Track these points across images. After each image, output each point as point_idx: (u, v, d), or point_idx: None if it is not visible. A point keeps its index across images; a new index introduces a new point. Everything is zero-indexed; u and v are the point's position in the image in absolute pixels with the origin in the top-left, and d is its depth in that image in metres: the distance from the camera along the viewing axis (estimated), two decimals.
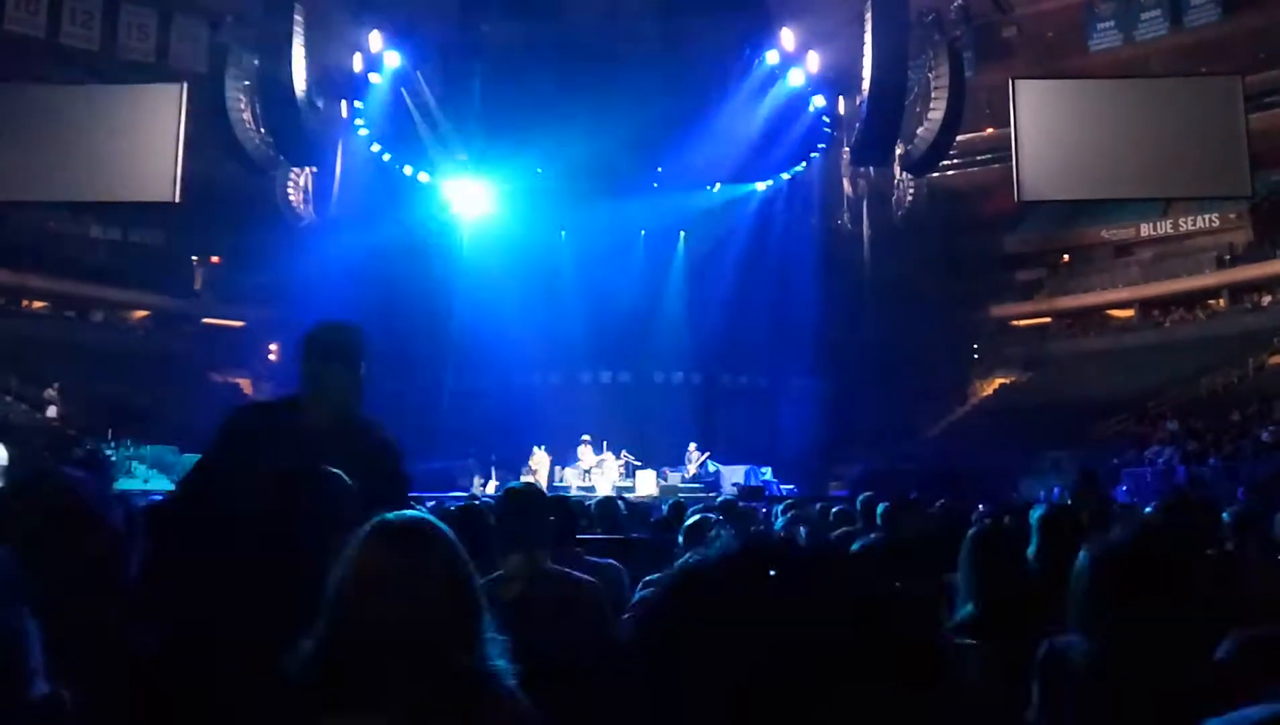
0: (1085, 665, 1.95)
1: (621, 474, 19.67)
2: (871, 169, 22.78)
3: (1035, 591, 2.71)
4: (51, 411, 22.41)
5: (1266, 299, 27.72)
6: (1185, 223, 29.99)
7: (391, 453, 2.80)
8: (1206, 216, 29.55)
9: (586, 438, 20.17)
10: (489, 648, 1.62)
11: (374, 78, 20.21)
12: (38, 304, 28.20)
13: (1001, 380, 29.44)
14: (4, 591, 0.76)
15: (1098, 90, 21.66)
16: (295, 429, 2.66)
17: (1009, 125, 20.68)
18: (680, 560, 0.76)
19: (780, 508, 6.37)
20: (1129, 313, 30.50)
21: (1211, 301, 29.27)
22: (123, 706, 1.07)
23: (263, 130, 19.64)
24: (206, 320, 29.33)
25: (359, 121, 21.67)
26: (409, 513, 1.63)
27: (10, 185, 21.44)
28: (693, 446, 20.57)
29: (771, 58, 19.95)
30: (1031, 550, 3.34)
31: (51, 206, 25.99)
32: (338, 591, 1.54)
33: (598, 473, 19.55)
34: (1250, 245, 28.67)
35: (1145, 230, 30.65)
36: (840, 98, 21.39)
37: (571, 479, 19.68)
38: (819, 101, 21.13)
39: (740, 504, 8.70)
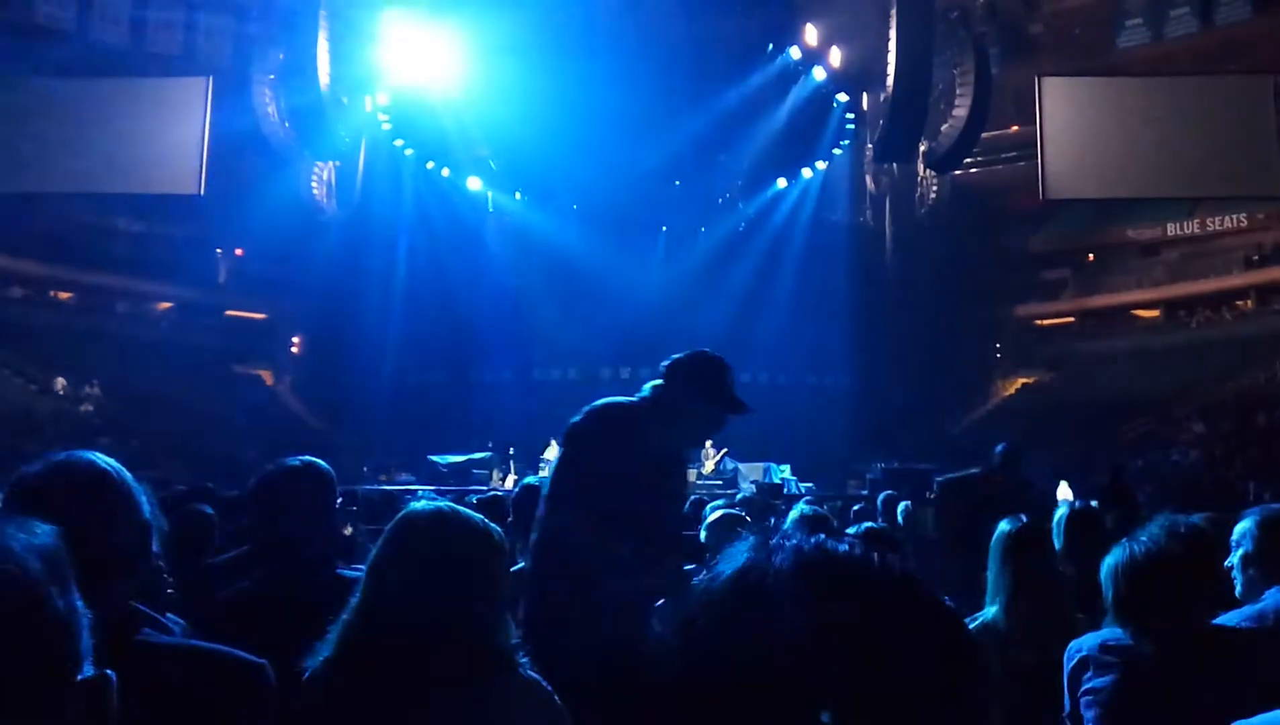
0: (1141, 665, 1.97)
1: None
2: (895, 166, 22.66)
3: (1062, 592, 2.68)
4: (88, 406, 22.67)
5: None
6: (1213, 223, 29.61)
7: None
8: (1234, 217, 29.16)
9: None
10: (513, 636, 1.64)
11: (397, 73, 20.30)
12: (64, 295, 28.50)
13: (1025, 380, 29.19)
14: (58, 572, 0.76)
15: (1125, 88, 21.43)
16: (649, 439, 2.74)
17: (1035, 123, 20.46)
18: (732, 564, 0.72)
19: (799, 505, 6.34)
20: (1155, 313, 30.15)
21: (1239, 302, 28.89)
22: (141, 694, 1.08)
23: (287, 124, 19.76)
24: (230, 312, 29.53)
25: (382, 116, 21.77)
26: (440, 502, 1.65)
27: (39, 177, 21.68)
28: (708, 443, 20.49)
29: (794, 54, 19.85)
30: (1057, 551, 3.31)
31: (79, 198, 26.26)
32: (373, 575, 1.56)
33: None
34: (1279, 246, 28.30)
35: (1172, 230, 30.28)
36: (864, 94, 21.28)
37: None
38: (842, 97, 21.02)
39: (759, 501, 8.68)
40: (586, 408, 2.87)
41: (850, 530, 3.77)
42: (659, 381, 2.85)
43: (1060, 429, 22.59)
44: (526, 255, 24.47)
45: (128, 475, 1.41)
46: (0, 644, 0.69)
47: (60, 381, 23.01)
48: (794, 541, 0.71)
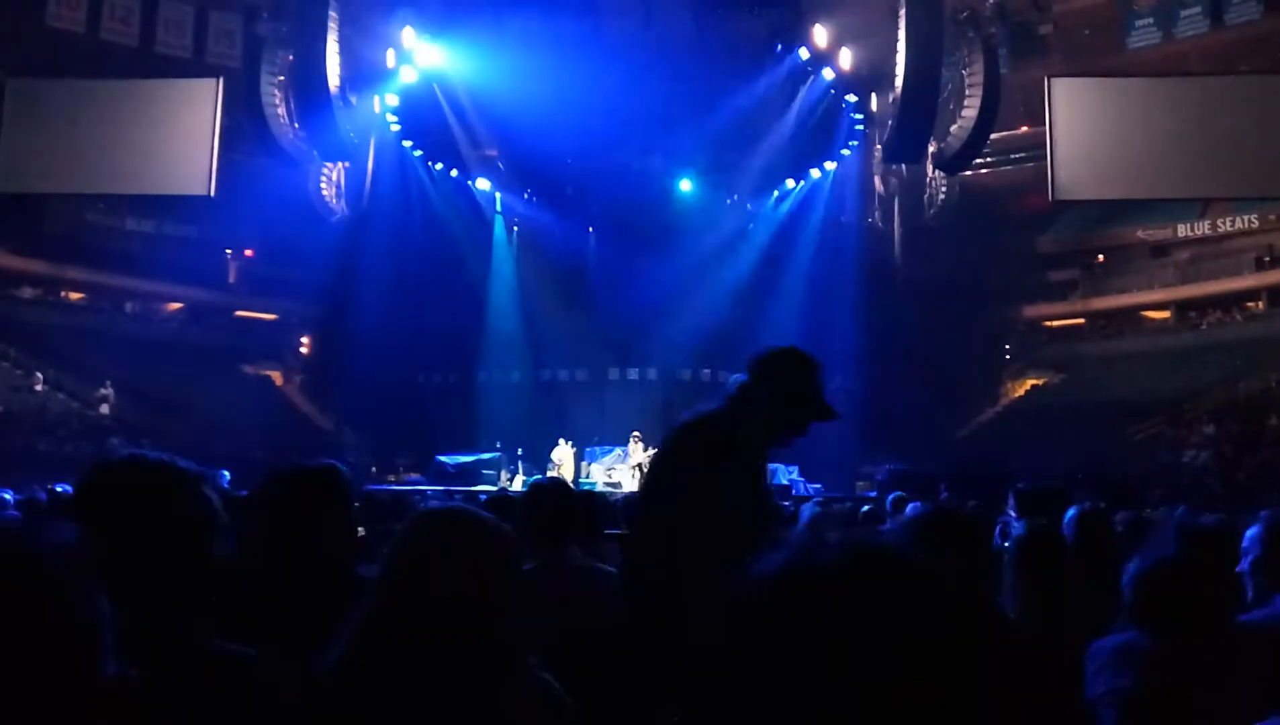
0: (1161, 667, 1.98)
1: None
2: (904, 167, 22.62)
3: (1074, 595, 2.68)
4: (105, 408, 22.74)
5: None
6: (1223, 223, 29.45)
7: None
8: (1245, 217, 29.01)
9: (637, 434, 20.09)
10: (521, 635, 1.65)
11: (406, 73, 20.34)
12: (74, 295, 28.62)
13: (1033, 382, 29.08)
14: (81, 574, 0.77)
15: (1135, 89, 21.36)
16: (737, 449, 2.69)
17: (1044, 124, 20.43)
18: (772, 559, 0.72)
19: (808, 506, 6.35)
20: (1165, 314, 30.01)
21: (1250, 304, 28.75)
22: (186, 692, 1.09)
23: (296, 124, 19.82)
24: (239, 312, 29.62)
25: (391, 117, 21.82)
26: (453, 503, 1.66)
27: (49, 177, 21.81)
28: None
29: (804, 54, 19.85)
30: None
31: (89, 199, 26.38)
32: (386, 575, 1.57)
33: (622, 469, 19.51)
34: None
35: (1182, 231, 30.13)
36: (873, 94, 21.25)
37: (597, 475, 19.69)
38: (851, 98, 21.00)
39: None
40: (680, 422, 2.80)
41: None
42: (743, 377, 2.77)
43: (1069, 431, 22.50)
44: (535, 256, 24.49)
45: (183, 476, 1.41)
46: (24, 644, 0.71)
47: (39, 376, 22.95)
48: (838, 537, 0.71)
